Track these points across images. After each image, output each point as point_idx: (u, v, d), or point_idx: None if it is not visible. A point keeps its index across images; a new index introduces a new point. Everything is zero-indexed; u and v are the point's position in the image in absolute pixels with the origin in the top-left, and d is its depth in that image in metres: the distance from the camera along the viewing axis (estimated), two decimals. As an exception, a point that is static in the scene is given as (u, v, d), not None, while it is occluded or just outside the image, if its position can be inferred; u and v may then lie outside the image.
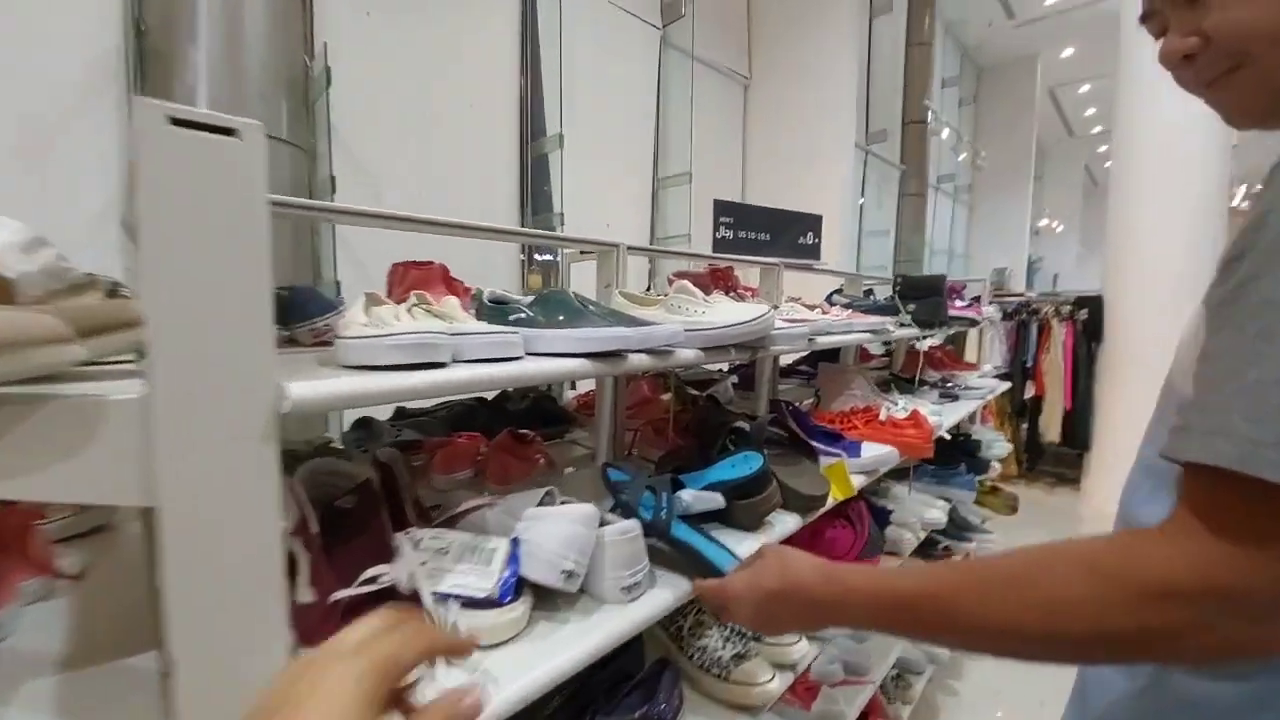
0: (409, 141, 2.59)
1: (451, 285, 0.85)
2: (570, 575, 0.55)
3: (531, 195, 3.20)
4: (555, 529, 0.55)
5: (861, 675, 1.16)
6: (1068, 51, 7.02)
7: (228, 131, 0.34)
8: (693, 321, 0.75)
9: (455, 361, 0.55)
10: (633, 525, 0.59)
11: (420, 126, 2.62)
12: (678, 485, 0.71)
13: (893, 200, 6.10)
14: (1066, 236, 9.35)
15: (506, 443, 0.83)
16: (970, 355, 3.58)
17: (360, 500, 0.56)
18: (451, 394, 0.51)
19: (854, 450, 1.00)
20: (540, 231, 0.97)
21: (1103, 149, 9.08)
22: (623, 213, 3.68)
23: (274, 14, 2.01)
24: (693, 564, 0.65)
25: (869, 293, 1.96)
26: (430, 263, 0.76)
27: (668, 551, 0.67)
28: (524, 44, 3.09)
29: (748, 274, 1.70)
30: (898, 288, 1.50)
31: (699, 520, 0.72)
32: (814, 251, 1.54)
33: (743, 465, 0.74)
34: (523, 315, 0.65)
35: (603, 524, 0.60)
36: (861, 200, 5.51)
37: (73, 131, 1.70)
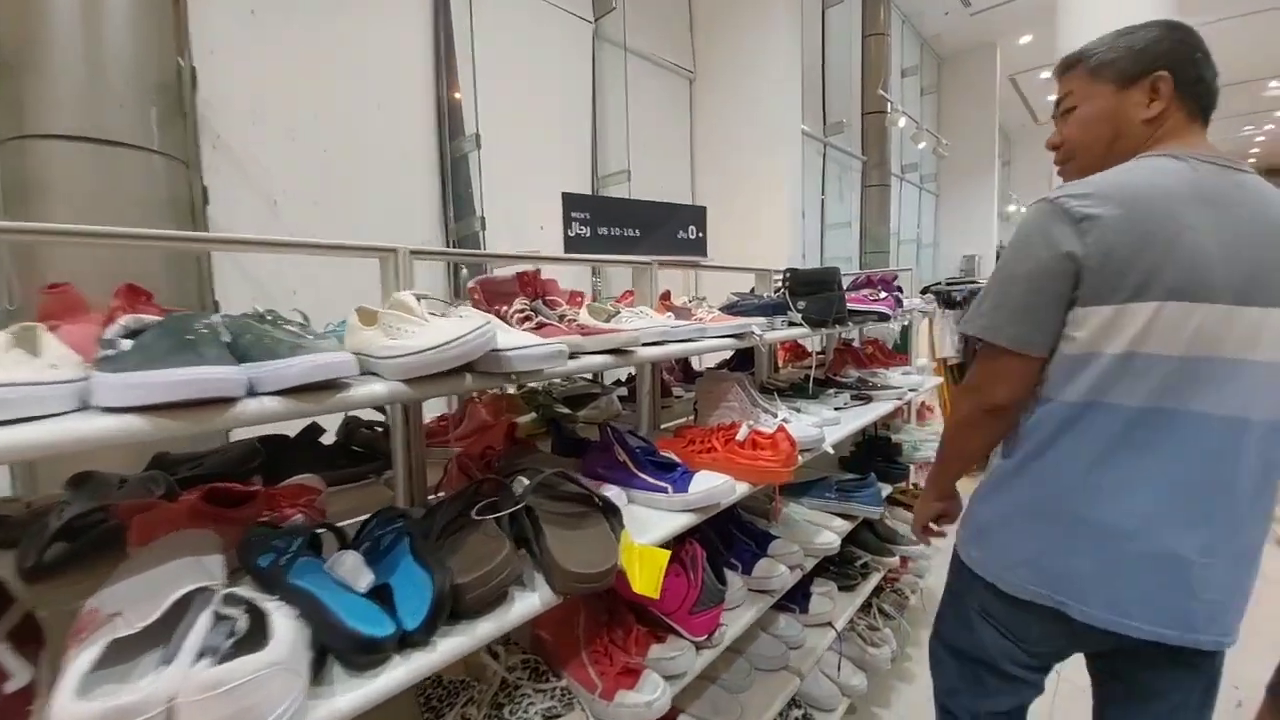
0: (309, 146, 2.41)
1: (139, 303, 0.68)
2: None
3: (455, 198, 3.04)
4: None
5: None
6: (1026, 39, 6.99)
7: None
8: (399, 346, 0.58)
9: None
10: (232, 672, 0.41)
11: (321, 130, 2.44)
12: (316, 543, 0.54)
13: (855, 192, 6.01)
14: (1037, 222, 9.33)
15: (198, 507, 0.64)
16: (924, 348, 3.45)
17: None
18: None
19: (683, 484, 0.84)
20: (310, 241, 0.80)
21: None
22: (559, 213, 3.52)
23: (138, 16, 1.84)
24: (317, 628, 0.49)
25: (779, 290, 1.81)
26: (64, 285, 0.60)
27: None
28: (437, 41, 2.92)
29: (625, 275, 1.54)
30: (787, 283, 1.34)
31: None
32: (699, 247, 1.38)
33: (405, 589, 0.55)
34: (111, 353, 0.49)
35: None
36: (822, 196, 5.40)
37: None
